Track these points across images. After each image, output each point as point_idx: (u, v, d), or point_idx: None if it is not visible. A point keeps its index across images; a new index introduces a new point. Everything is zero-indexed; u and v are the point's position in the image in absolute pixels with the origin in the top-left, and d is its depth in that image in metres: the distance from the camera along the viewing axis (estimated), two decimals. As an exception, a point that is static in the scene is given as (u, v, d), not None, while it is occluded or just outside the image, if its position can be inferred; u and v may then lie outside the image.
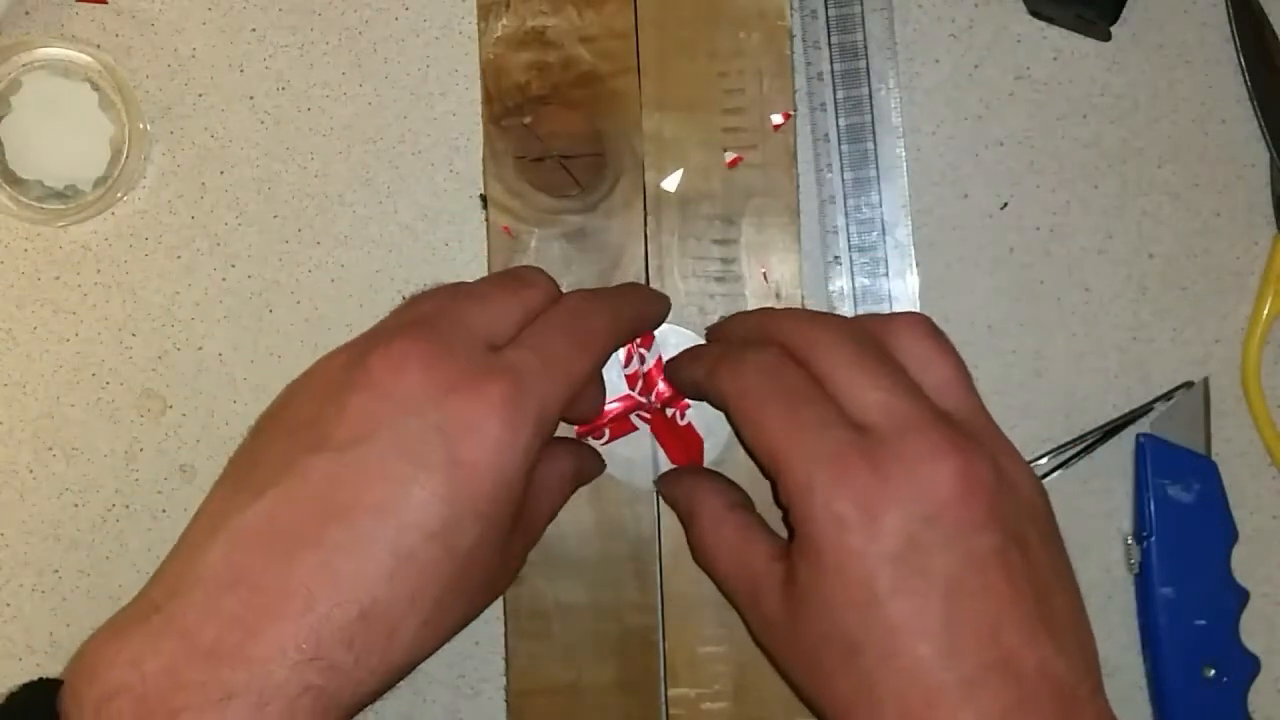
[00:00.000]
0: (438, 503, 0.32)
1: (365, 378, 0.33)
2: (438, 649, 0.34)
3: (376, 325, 0.39)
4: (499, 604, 0.45)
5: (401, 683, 0.46)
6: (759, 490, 0.43)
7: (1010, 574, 0.33)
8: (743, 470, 0.44)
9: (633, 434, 0.44)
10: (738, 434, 0.37)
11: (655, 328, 0.44)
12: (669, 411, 0.44)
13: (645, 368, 0.44)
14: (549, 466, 0.40)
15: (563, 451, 0.41)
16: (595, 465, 0.43)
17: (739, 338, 0.40)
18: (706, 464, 0.44)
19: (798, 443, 0.34)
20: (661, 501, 0.44)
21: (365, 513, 0.31)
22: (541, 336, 0.36)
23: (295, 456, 0.32)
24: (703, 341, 0.44)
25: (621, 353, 0.44)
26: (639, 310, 0.42)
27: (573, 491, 0.42)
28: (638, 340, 0.44)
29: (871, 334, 0.37)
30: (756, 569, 0.37)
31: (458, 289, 0.38)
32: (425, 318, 0.35)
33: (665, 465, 0.44)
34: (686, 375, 0.41)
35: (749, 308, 0.44)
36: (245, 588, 0.31)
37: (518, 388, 0.33)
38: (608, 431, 0.44)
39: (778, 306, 0.44)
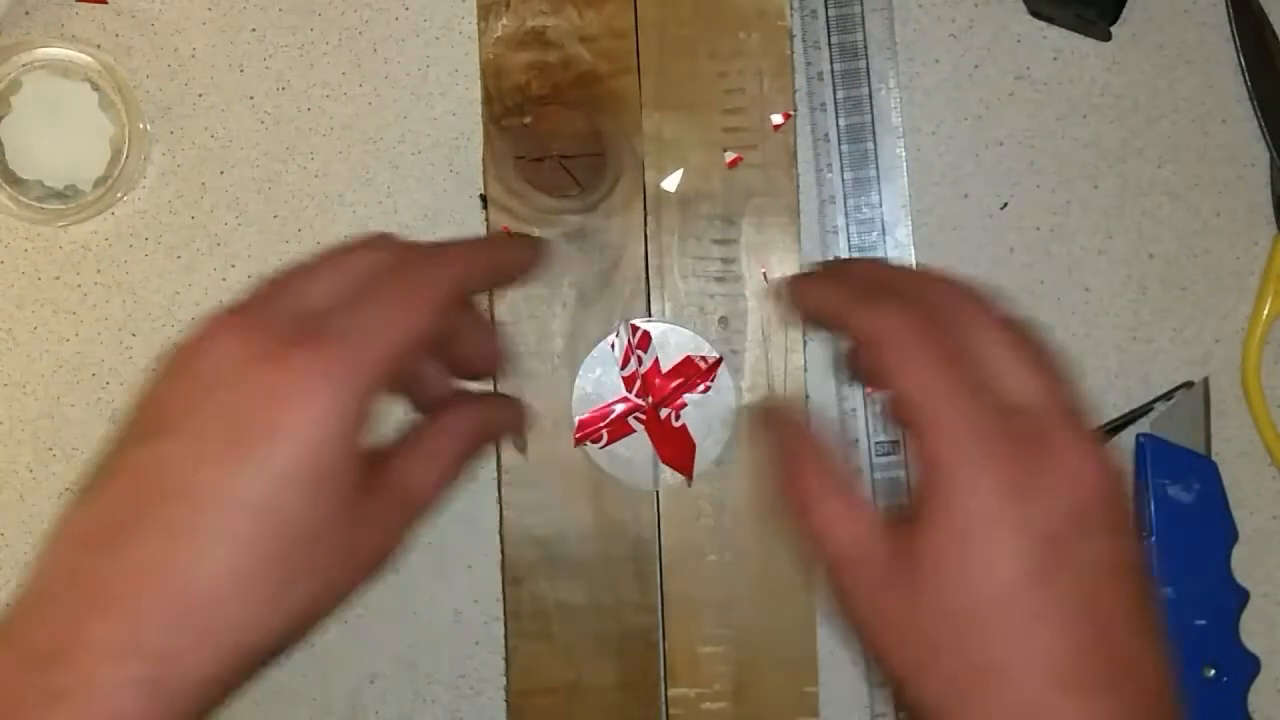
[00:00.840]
0: (249, 475, 0.31)
1: (173, 364, 0.33)
2: (300, 626, 0.33)
3: None
4: (499, 604, 0.45)
5: (402, 682, 0.46)
6: (759, 491, 0.44)
7: (1137, 579, 0.33)
8: (744, 470, 0.44)
9: (632, 436, 0.44)
10: (868, 374, 0.35)
11: (520, 276, 0.40)
12: (664, 412, 0.44)
13: (643, 369, 0.44)
14: (432, 424, 0.38)
15: (457, 411, 0.38)
16: (507, 417, 0.40)
17: (881, 282, 0.38)
18: (707, 463, 0.44)
19: (952, 406, 0.33)
20: (661, 502, 0.44)
21: (178, 495, 0.31)
22: (357, 297, 0.34)
23: (118, 454, 0.33)
24: (705, 342, 0.44)
25: (619, 354, 0.44)
26: (484, 257, 0.38)
27: (476, 448, 0.38)
28: (634, 342, 0.44)
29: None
30: (867, 540, 0.35)
31: (284, 269, 0.36)
32: (239, 300, 0.35)
33: (665, 467, 0.44)
34: (817, 296, 0.38)
35: (749, 308, 0.44)
36: (72, 589, 0.31)
37: (327, 349, 0.32)
38: (605, 434, 0.44)
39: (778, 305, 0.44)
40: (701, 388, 0.44)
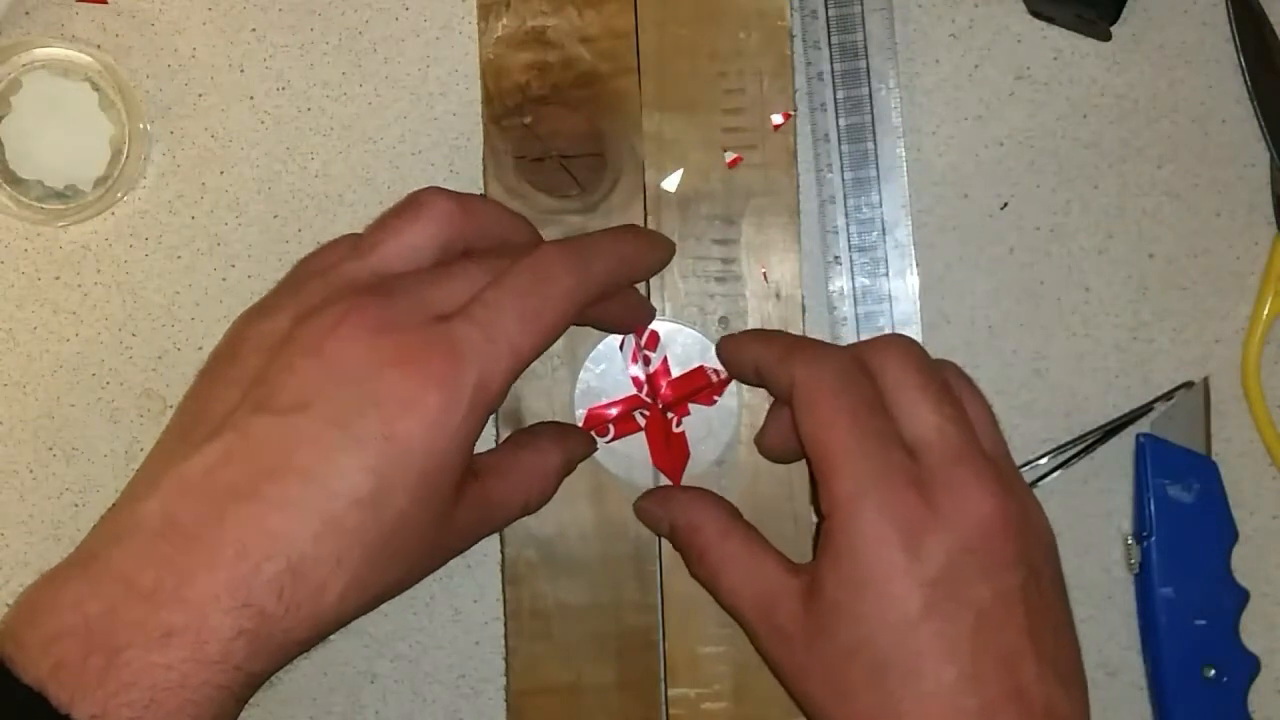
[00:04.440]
0: (365, 473, 0.33)
1: (311, 342, 0.34)
2: (374, 605, 0.35)
3: (326, 261, 0.38)
4: (499, 604, 0.45)
5: (402, 682, 0.46)
6: (759, 491, 0.44)
7: (1030, 611, 0.35)
8: (744, 471, 0.44)
9: (633, 434, 0.44)
10: (795, 422, 0.37)
11: (654, 273, 0.43)
12: (668, 415, 0.44)
13: (651, 369, 0.44)
14: (527, 456, 0.40)
15: (547, 441, 0.41)
16: (584, 449, 0.43)
17: (805, 340, 0.41)
18: (707, 463, 0.44)
19: (857, 452, 0.35)
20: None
21: (296, 476, 0.33)
22: (491, 308, 0.35)
23: (238, 414, 0.34)
24: (706, 341, 0.44)
25: (629, 353, 0.44)
26: (620, 261, 0.40)
27: (559, 481, 0.41)
28: (643, 342, 0.44)
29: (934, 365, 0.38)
30: (770, 580, 0.37)
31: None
32: (380, 283, 0.36)
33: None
34: (750, 354, 0.41)
35: (749, 308, 0.44)
36: (181, 535, 0.32)
37: (456, 364, 0.34)
38: (612, 429, 0.44)
39: (778, 305, 0.44)
40: (709, 401, 0.44)
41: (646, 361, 0.44)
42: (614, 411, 0.44)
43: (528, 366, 0.36)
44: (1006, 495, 0.35)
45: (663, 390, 0.44)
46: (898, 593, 0.34)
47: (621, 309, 0.42)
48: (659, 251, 0.43)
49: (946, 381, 0.37)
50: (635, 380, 0.44)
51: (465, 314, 0.35)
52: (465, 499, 0.36)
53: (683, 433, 0.44)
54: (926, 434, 0.35)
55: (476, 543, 0.39)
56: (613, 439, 0.44)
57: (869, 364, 0.37)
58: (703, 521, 0.40)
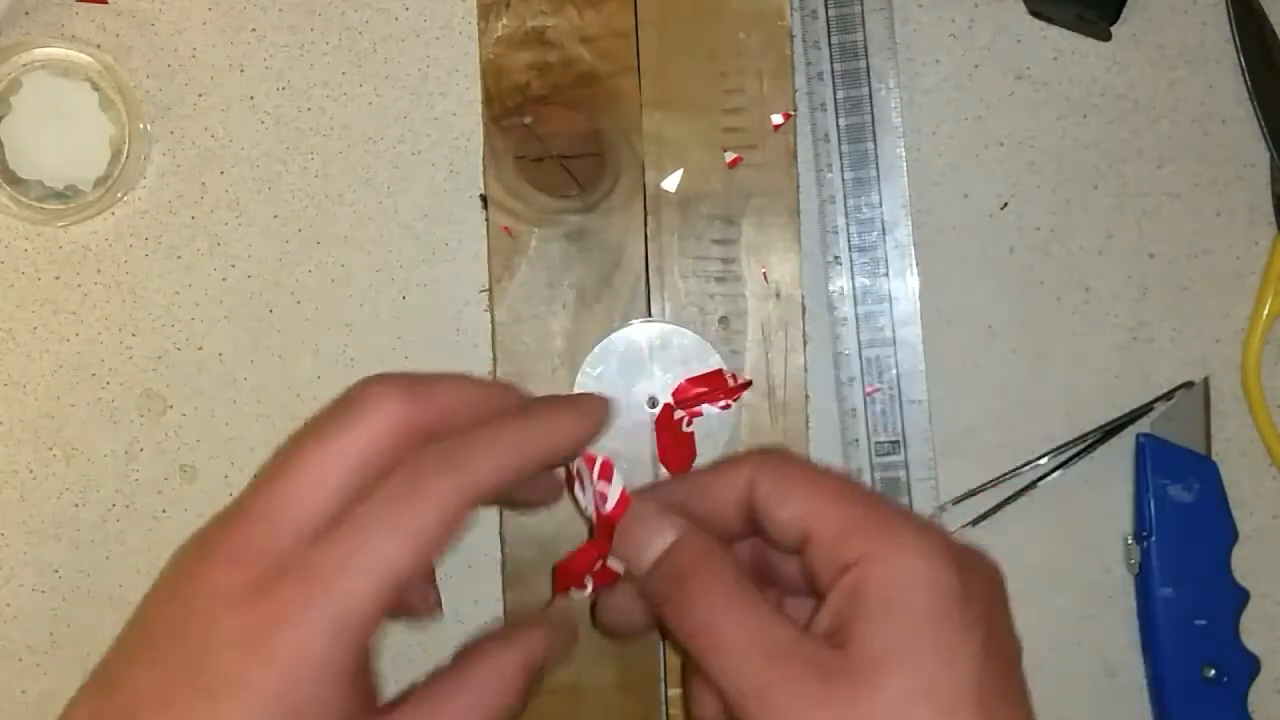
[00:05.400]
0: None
1: (175, 585, 0.33)
2: None
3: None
4: (499, 604, 0.45)
5: (402, 683, 0.46)
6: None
7: (988, 660, 0.31)
8: (743, 470, 0.44)
9: (632, 434, 0.44)
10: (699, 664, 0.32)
11: (577, 453, 0.35)
12: (678, 414, 0.44)
13: (607, 508, 0.34)
14: (471, 669, 0.35)
15: (496, 643, 0.36)
16: (549, 639, 0.36)
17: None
18: (707, 464, 0.44)
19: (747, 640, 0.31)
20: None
21: None
22: (358, 524, 0.32)
23: (120, 665, 0.33)
24: (705, 343, 0.44)
25: (580, 495, 0.35)
26: (518, 454, 0.34)
27: (525, 683, 0.36)
28: (596, 474, 0.35)
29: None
30: (771, 648, 0.31)
31: (283, 458, 0.33)
32: (239, 507, 0.33)
33: (663, 468, 0.44)
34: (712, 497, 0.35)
35: (749, 308, 0.44)
36: None
37: (307, 597, 0.31)
38: (590, 582, 0.37)
39: (778, 305, 0.44)
40: (723, 403, 0.44)
41: (602, 499, 0.34)
42: (584, 561, 0.36)
43: (416, 577, 0.32)
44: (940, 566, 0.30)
45: (679, 387, 0.44)
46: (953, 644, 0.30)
47: (537, 492, 0.37)
48: (580, 429, 0.34)
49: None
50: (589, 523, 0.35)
51: (328, 535, 0.32)
52: None
53: (691, 433, 0.44)
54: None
55: None
56: (593, 591, 0.37)
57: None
58: (696, 596, 0.33)
